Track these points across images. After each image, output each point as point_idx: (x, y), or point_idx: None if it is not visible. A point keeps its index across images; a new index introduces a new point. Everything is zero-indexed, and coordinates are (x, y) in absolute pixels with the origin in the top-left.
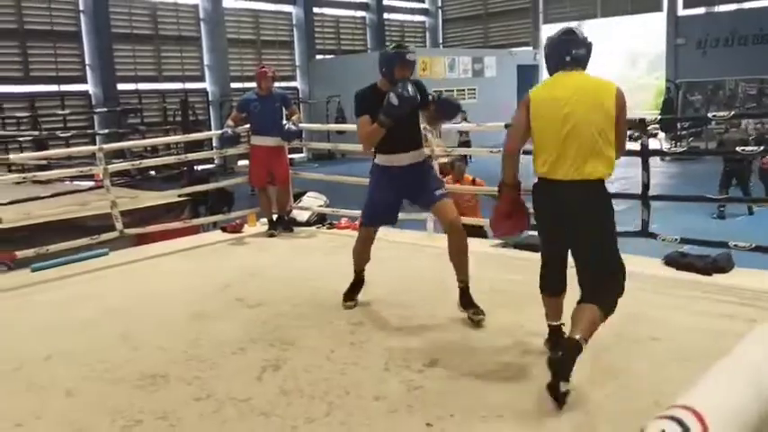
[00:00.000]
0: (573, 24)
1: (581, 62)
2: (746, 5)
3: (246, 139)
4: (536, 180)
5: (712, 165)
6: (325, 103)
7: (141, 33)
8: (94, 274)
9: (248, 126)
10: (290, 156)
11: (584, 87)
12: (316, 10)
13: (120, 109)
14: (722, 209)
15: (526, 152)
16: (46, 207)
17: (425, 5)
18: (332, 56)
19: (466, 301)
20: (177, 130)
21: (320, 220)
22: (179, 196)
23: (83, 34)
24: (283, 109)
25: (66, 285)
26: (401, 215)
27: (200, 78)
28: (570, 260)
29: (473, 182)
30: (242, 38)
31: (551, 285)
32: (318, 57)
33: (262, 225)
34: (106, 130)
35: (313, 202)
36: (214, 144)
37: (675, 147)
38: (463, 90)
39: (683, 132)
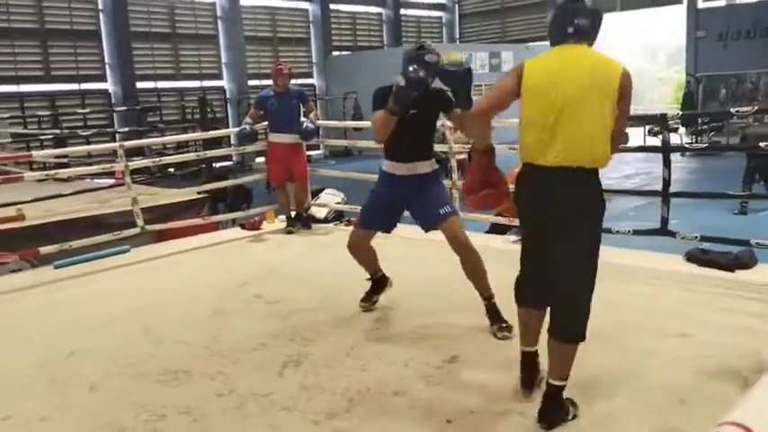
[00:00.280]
0: None
1: (586, 35)
2: None
3: (264, 137)
4: (520, 167)
5: (734, 160)
6: (341, 99)
7: (159, 32)
8: (116, 271)
9: (266, 123)
10: (307, 153)
11: (586, 64)
12: (332, 6)
13: (140, 107)
14: (744, 205)
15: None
16: (68, 204)
17: (442, 1)
18: (348, 52)
19: (491, 316)
20: (196, 127)
21: (338, 216)
22: (198, 193)
23: (102, 33)
24: (300, 106)
25: (89, 282)
26: None
27: (218, 76)
28: None
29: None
30: (259, 35)
31: (532, 295)
32: (335, 53)
33: (280, 222)
34: (126, 129)
35: (330, 199)
36: (232, 141)
37: (696, 142)
38: (480, 85)
39: (704, 127)
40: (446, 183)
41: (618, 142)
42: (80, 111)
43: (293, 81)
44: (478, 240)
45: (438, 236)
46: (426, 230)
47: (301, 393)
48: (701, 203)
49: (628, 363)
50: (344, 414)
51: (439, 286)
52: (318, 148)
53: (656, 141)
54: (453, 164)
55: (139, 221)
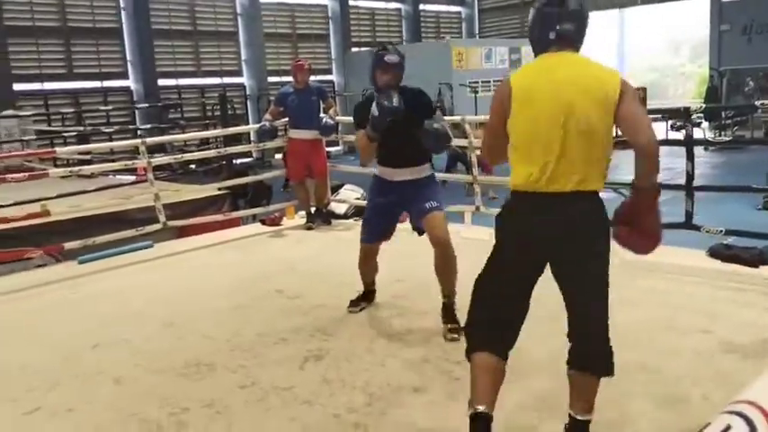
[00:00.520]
0: None
1: (570, 40)
2: None
3: (284, 133)
4: (509, 195)
5: (758, 154)
6: (360, 95)
7: (180, 29)
8: (139, 266)
9: (286, 120)
10: (326, 149)
11: (580, 73)
12: (351, 2)
13: (162, 104)
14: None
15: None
16: (92, 200)
17: None
18: (367, 48)
19: (446, 315)
20: (216, 124)
21: (357, 212)
22: (219, 190)
23: (124, 31)
24: (320, 102)
25: (112, 277)
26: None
27: (238, 73)
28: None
29: None
30: (278, 32)
31: (496, 337)
32: (354, 49)
33: (300, 218)
34: (148, 126)
35: (350, 194)
36: (252, 138)
37: (720, 136)
38: (500, 80)
39: (728, 121)
40: (466, 177)
41: (645, 139)
42: (103, 108)
43: (312, 77)
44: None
45: (461, 232)
46: (420, 233)
47: (322, 387)
48: (724, 198)
49: (649, 358)
50: (365, 408)
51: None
52: (338, 144)
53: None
54: (473, 159)
55: (161, 217)
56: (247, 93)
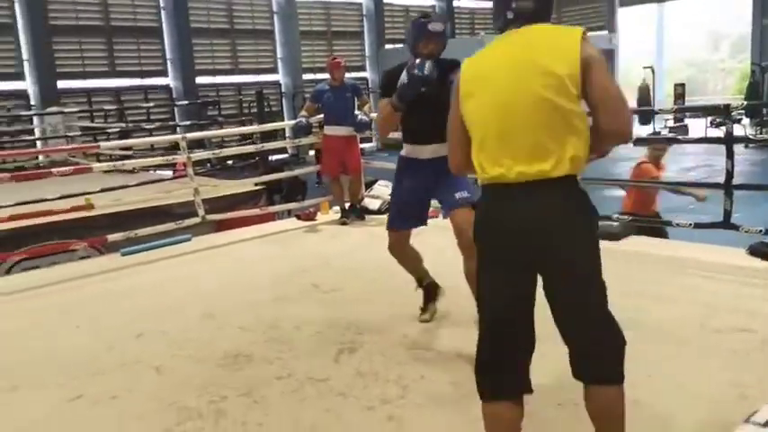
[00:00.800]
0: None
1: (530, 16)
2: None
3: (318, 130)
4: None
5: None
6: None
7: (218, 28)
8: (179, 259)
9: (320, 116)
10: (360, 145)
11: (530, 43)
12: (385, 0)
13: (201, 101)
14: None
15: None
16: (133, 195)
17: None
18: (401, 45)
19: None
20: (253, 121)
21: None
22: (255, 185)
23: (164, 30)
24: (355, 99)
25: (153, 269)
26: None
27: (274, 70)
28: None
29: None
30: (313, 30)
31: (501, 381)
32: (388, 46)
33: (334, 213)
34: (188, 122)
35: (384, 190)
36: (287, 134)
37: (761, 133)
38: None
39: None
40: None
41: (619, 125)
42: (143, 105)
43: (347, 74)
44: None
45: None
46: (445, 218)
47: (356, 380)
48: (765, 196)
49: (686, 357)
50: (399, 401)
51: None
52: (371, 141)
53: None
54: None
55: (200, 211)
56: (283, 90)
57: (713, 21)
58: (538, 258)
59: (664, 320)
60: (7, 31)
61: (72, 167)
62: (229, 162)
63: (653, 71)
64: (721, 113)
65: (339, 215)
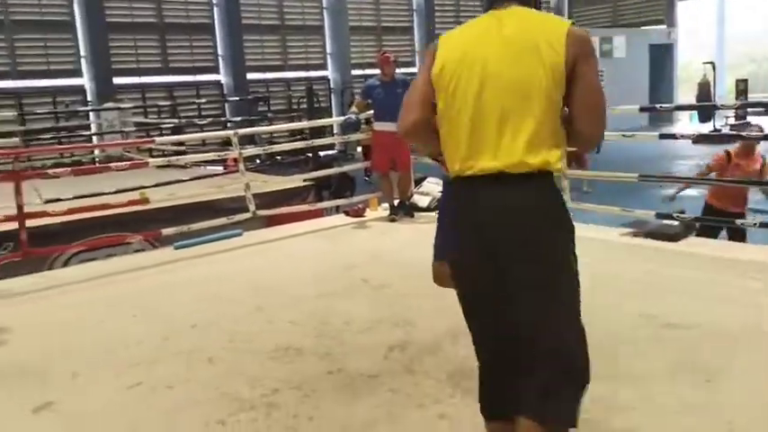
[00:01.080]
0: None
1: None
2: None
3: (367, 126)
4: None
5: None
6: None
7: (269, 24)
8: (230, 254)
9: (370, 112)
10: None
11: (517, 28)
12: None
13: (252, 97)
14: None
15: None
16: (186, 189)
17: None
18: None
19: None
20: (302, 117)
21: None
22: (304, 181)
23: (215, 26)
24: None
25: (206, 263)
26: None
27: (323, 66)
28: None
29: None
30: (363, 25)
31: (494, 401)
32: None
33: (383, 210)
34: (239, 118)
35: (433, 187)
36: (335, 131)
37: None
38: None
39: None
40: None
41: (592, 130)
42: (195, 101)
43: (397, 70)
44: (591, 233)
45: None
46: None
47: (407, 377)
48: None
49: (742, 359)
50: (449, 400)
51: None
52: None
53: None
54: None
55: (251, 206)
56: (331, 86)
57: None
58: (501, 260)
59: (718, 322)
60: (66, 29)
61: (129, 162)
62: (278, 158)
63: (713, 66)
64: None
65: (388, 212)
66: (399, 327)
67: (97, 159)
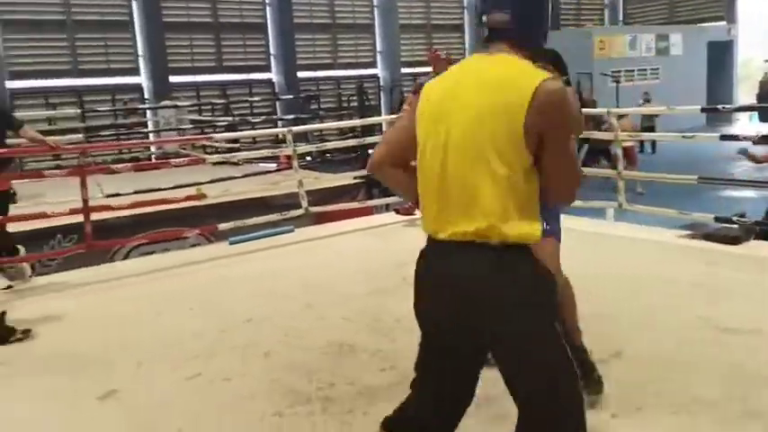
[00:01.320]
0: None
1: (504, 35)
2: None
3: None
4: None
5: None
6: None
7: (320, 23)
8: (282, 249)
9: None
10: None
11: (488, 84)
12: None
13: (304, 96)
14: None
15: None
16: (240, 186)
17: None
18: None
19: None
20: (352, 115)
21: None
22: (354, 178)
23: (268, 25)
24: None
25: (259, 258)
26: (578, 203)
27: (373, 65)
28: None
29: None
30: (413, 23)
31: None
32: None
33: None
34: (291, 116)
35: None
36: (383, 129)
37: None
38: (645, 70)
39: None
40: (609, 172)
41: (561, 194)
42: (248, 99)
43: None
44: (645, 234)
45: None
46: None
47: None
48: None
49: None
50: (503, 401)
51: (604, 280)
52: None
53: None
54: (618, 152)
55: (304, 203)
56: (381, 84)
57: None
58: (468, 329)
59: None
60: (125, 28)
61: (187, 159)
62: (328, 155)
63: None
64: None
65: None
66: None
67: (153, 156)
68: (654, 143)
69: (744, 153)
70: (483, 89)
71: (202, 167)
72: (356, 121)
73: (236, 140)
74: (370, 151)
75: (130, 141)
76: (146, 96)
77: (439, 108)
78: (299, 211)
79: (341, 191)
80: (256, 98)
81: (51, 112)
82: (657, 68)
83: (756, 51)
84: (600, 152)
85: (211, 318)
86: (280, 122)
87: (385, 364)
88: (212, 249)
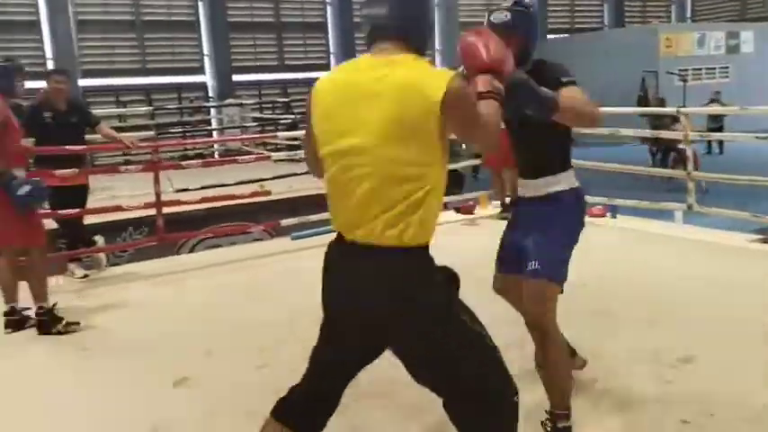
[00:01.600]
0: None
1: (388, 31)
2: None
3: None
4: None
5: None
6: None
7: None
8: None
9: None
10: None
11: (383, 79)
12: None
13: None
14: None
15: None
16: (301, 182)
17: None
18: (565, 35)
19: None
20: None
21: None
22: None
23: (328, 24)
24: None
25: (321, 254)
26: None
27: (431, 63)
28: None
29: None
30: (473, 20)
31: (291, 409)
32: (550, 36)
33: (493, 207)
34: None
35: None
36: None
37: None
38: (713, 69)
39: None
40: (680, 173)
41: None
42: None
43: None
44: (711, 237)
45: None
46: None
47: (527, 375)
48: None
49: None
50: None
51: (673, 283)
52: None
53: None
54: (689, 152)
55: None
56: None
57: None
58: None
59: None
60: (191, 28)
61: (254, 156)
62: None
63: None
64: None
65: (499, 209)
66: (518, 325)
67: (217, 153)
68: (721, 144)
69: None
70: (390, 87)
71: (263, 164)
72: None
73: (295, 138)
74: None
75: (202, 139)
76: (210, 95)
77: (328, 118)
78: None
79: None
80: None
81: (122, 110)
82: (727, 67)
83: None
84: (669, 151)
85: (278, 310)
86: None
87: None
88: (276, 244)
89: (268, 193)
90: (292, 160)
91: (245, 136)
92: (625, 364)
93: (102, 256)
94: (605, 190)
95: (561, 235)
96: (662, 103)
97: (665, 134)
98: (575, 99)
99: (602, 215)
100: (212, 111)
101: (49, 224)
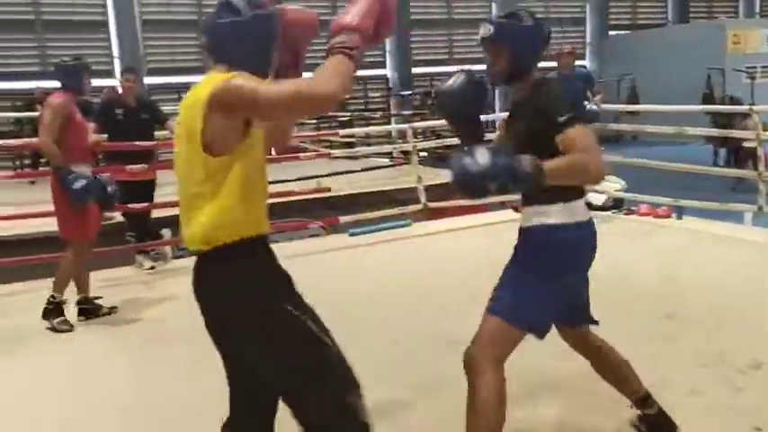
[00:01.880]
0: None
1: (217, 55)
2: None
3: None
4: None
5: None
6: (615, 82)
7: (435, 18)
8: (399, 243)
9: None
10: None
11: (189, 96)
12: None
13: (422, 92)
14: None
15: None
16: (358, 180)
17: None
18: (627, 31)
19: None
20: None
21: (616, 204)
22: None
23: None
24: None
25: (378, 251)
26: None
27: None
28: None
29: None
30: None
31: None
32: (612, 33)
33: None
34: (408, 112)
35: (609, 185)
36: (497, 125)
37: None
38: None
39: None
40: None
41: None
42: (367, 95)
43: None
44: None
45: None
46: None
47: (590, 379)
48: None
49: None
50: (629, 409)
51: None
52: None
53: None
54: (760, 153)
55: (422, 198)
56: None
57: None
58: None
59: None
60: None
61: (315, 152)
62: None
63: None
64: None
65: None
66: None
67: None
68: None
69: None
70: (188, 100)
71: (320, 161)
72: None
73: (351, 135)
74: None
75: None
76: None
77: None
78: (418, 206)
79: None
80: (378, 94)
81: None
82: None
83: None
84: (739, 151)
85: (335, 304)
86: (393, 118)
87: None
88: (334, 240)
89: (327, 189)
90: (349, 157)
91: (310, 134)
92: (690, 367)
93: (167, 249)
94: (668, 190)
95: (523, 278)
96: (737, 102)
97: (735, 133)
98: (572, 159)
99: (668, 216)
100: None
101: (118, 217)
